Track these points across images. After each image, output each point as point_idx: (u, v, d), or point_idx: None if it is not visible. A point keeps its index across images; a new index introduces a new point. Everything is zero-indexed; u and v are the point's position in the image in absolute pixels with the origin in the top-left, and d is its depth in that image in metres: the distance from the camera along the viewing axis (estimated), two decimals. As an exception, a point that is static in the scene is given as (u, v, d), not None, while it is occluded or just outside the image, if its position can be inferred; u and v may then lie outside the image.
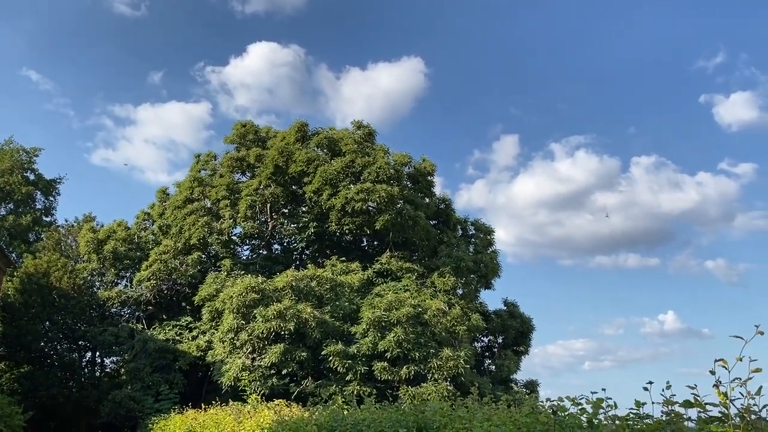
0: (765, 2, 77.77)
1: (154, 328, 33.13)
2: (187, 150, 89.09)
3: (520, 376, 34.20)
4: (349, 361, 25.79)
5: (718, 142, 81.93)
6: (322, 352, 25.92)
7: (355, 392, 25.22)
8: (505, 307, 34.69)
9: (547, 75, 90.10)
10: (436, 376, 25.51)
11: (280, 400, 17.34)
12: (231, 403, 15.69)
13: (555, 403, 5.04)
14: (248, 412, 14.04)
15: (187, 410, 21.22)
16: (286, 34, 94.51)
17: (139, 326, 33.65)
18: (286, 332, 25.95)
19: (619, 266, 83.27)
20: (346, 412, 8.42)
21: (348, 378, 25.83)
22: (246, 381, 24.84)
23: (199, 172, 37.95)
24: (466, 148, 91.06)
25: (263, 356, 26.14)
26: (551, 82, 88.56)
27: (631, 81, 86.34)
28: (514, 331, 33.06)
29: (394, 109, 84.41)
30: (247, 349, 26.60)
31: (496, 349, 35.11)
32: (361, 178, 30.68)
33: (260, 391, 23.98)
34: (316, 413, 10.18)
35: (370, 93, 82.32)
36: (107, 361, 37.28)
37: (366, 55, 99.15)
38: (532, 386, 31.44)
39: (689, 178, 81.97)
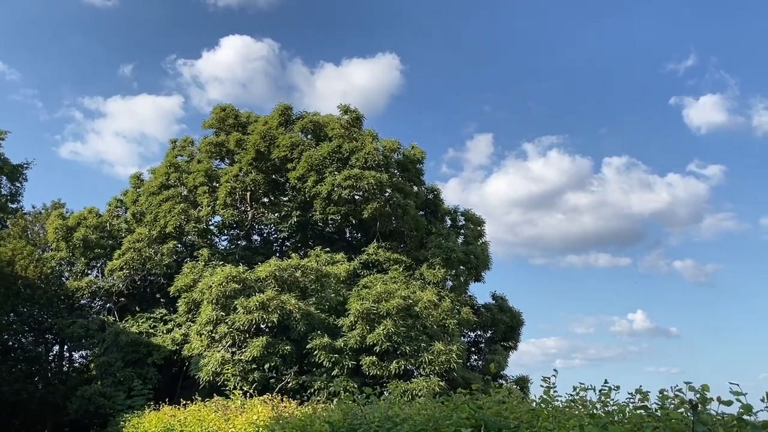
0: (735, 7, 78.81)
1: (127, 320, 31.38)
2: (158, 144, 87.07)
3: (507, 371, 33.24)
4: (336, 355, 24.46)
5: (687, 144, 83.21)
6: (307, 346, 24.53)
7: (341, 387, 23.96)
8: (494, 301, 33.59)
9: (521, 74, 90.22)
10: (427, 370, 24.32)
11: (266, 395, 15.96)
12: (216, 398, 14.24)
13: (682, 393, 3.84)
14: (235, 408, 12.63)
15: (163, 407, 19.71)
16: (260, 28, 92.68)
17: (111, 318, 31.86)
18: (269, 324, 24.50)
19: (590, 266, 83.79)
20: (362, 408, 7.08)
21: (334, 373, 24.48)
22: (228, 375, 23.34)
23: (176, 157, 36.19)
24: (441, 146, 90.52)
25: (244, 350, 24.67)
26: (525, 82, 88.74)
27: (603, 82, 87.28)
28: (503, 326, 31.98)
29: (369, 106, 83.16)
30: (226, 342, 25.09)
31: (482, 345, 34.03)
32: (349, 164, 29.28)
33: (241, 387, 22.52)
34: (320, 408, 8.85)
35: (345, 89, 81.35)
36: (76, 355, 35.44)
37: (341, 50, 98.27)
38: (523, 382, 30.38)
39: (659, 179, 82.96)
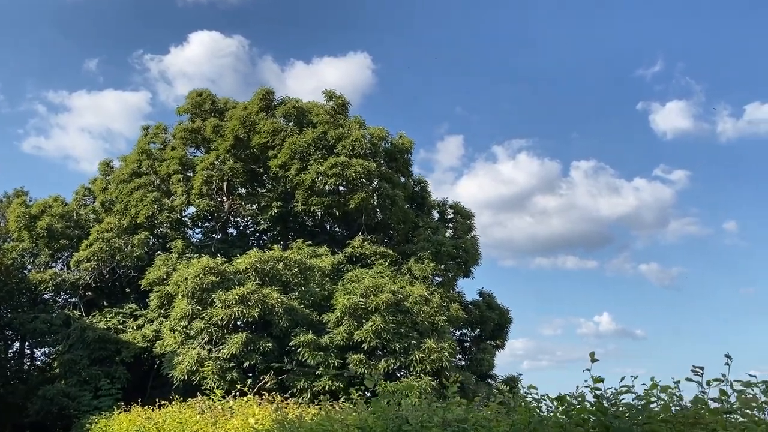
0: (701, 15, 79.75)
1: (94, 315, 29.39)
2: (124, 140, 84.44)
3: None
4: (321, 353, 22.91)
5: (653, 149, 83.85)
6: (291, 343, 22.95)
7: (326, 387, 22.48)
8: (481, 298, 32.30)
9: (493, 77, 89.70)
10: (417, 369, 22.92)
11: (244, 396, 14.41)
12: (200, 397, 12.64)
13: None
14: (223, 409, 11.08)
15: (134, 407, 18.00)
16: (230, 24, 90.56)
17: (76, 313, 29.84)
18: (250, 319, 22.83)
19: (558, 268, 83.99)
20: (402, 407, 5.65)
21: (318, 372, 22.95)
22: (209, 372, 21.69)
23: (148, 144, 34.23)
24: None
25: (221, 347, 23.01)
26: (496, 85, 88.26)
27: (573, 86, 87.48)
28: (492, 324, 30.71)
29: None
30: (202, 339, 23.40)
31: (468, 343, 32.75)
32: (335, 151, 27.73)
33: (218, 386, 20.85)
34: (333, 410, 7.38)
35: (317, 87, 79.61)
36: (38, 352, 33.24)
37: (312, 48, 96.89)
38: (513, 382, 29.11)
39: (626, 183, 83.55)
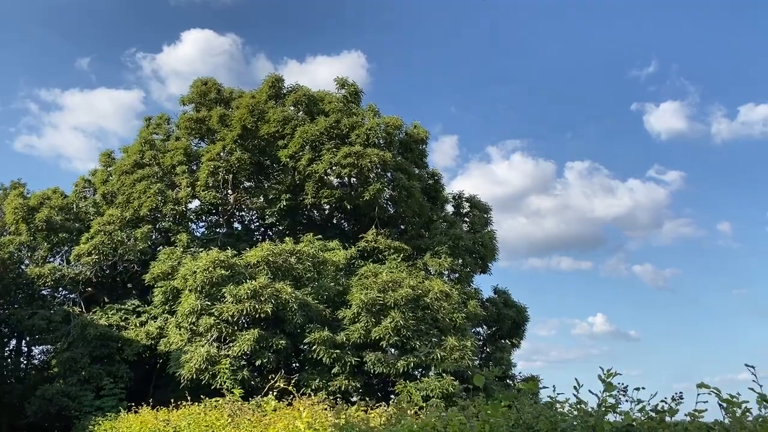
0: (696, 15, 79.19)
1: (95, 312, 28.13)
2: (117, 139, 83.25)
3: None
4: (337, 351, 21.76)
5: (648, 150, 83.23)
6: (305, 340, 21.79)
7: (342, 387, 21.34)
8: (496, 295, 31.14)
9: (488, 77, 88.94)
10: (439, 368, 21.78)
11: (286, 394, 13.26)
12: (228, 398, 11.42)
13: None
14: (253, 411, 9.92)
15: (143, 408, 16.78)
16: (223, 22, 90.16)
17: (76, 310, 28.58)
18: (262, 315, 21.64)
19: (552, 269, 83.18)
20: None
21: (334, 371, 21.81)
22: (225, 371, 20.48)
23: (151, 135, 32.98)
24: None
25: (231, 344, 21.82)
26: (491, 85, 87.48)
27: (567, 87, 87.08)
28: (510, 321, 29.56)
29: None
30: (211, 336, 22.19)
31: (481, 341, 31.61)
32: (348, 141, 26.56)
33: (230, 386, 19.65)
34: (432, 414, 6.24)
35: (311, 86, 78.52)
36: (36, 350, 31.92)
37: (305, 47, 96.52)
38: (532, 383, 27.92)
39: (621, 183, 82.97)
